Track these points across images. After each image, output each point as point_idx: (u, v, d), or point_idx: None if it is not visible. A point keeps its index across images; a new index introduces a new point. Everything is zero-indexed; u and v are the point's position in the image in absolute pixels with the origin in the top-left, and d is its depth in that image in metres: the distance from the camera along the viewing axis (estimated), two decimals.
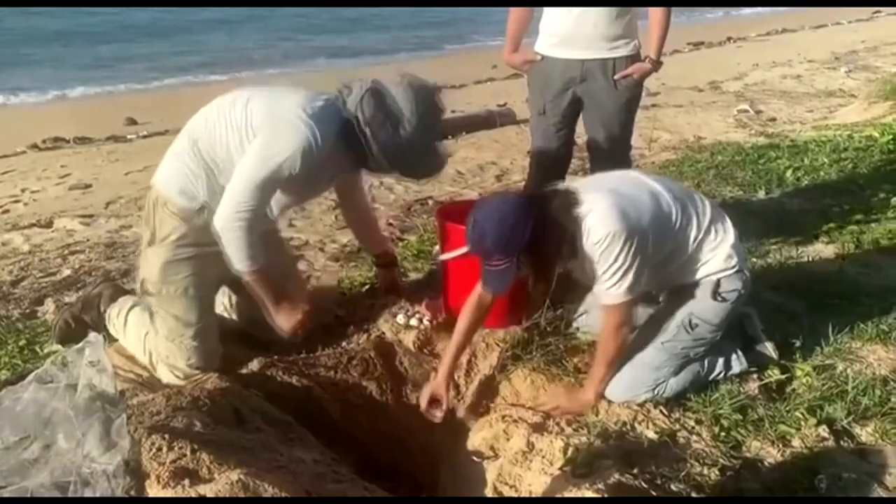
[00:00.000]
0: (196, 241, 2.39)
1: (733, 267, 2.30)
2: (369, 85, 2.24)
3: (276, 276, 2.48)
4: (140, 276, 2.49)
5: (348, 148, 2.31)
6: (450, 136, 6.86)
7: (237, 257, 2.29)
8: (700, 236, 2.28)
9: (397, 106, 2.20)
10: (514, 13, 3.11)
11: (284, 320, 2.44)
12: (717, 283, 2.30)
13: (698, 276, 2.32)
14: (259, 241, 2.31)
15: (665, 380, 2.29)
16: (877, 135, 5.34)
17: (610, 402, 2.27)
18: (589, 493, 1.79)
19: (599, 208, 2.13)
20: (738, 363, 2.39)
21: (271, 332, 2.55)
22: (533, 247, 2.12)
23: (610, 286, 2.17)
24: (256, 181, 2.21)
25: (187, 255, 2.40)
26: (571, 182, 2.37)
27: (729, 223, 2.35)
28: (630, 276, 2.15)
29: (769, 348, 2.48)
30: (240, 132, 2.26)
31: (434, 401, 2.42)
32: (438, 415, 2.40)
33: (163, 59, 13.97)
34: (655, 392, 2.28)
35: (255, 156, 2.21)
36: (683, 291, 2.36)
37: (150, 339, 2.50)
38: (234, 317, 2.77)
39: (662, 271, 2.30)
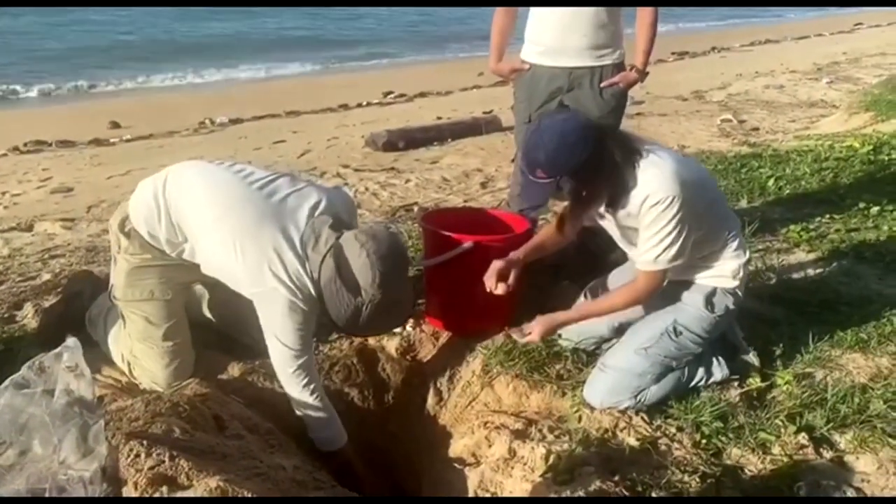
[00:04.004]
0: (162, 255, 2.36)
1: (734, 283, 2.33)
2: (333, 242, 2.11)
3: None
4: (111, 282, 2.48)
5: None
6: (435, 143, 6.89)
7: (320, 441, 2.31)
8: (728, 239, 2.31)
9: (354, 278, 2.06)
10: (498, 23, 3.12)
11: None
12: (713, 292, 2.33)
13: (701, 276, 2.35)
14: (336, 417, 2.32)
15: (647, 387, 2.30)
16: (857, 145, 5.40)
17: (592, 408, 2.27)
18: None
19: (665, 168, 2.11)
20: (719, 371, 2.41)
21: (250, 333, 2.55)
22: (581, 176, 2.09)
23: (657, 253, 2.16)
24: (299, 363, 2.22)
25: (154, 263, 2.38)
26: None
27: (746, 246, 2.39)
28: (677, 246, 2.14)
29: (751, 356, 2.50)
30: (226, 262, 2.21)
31: (502, 277, 2.41)
32: (496, 286, 2.40)
33: (147, 61, 13.90)
34: (637, 399, 2.28)
35: (275, 346, 2.22)
36: (677, 291, 2.38)
37: (125, 344, 2.48)
38: (211, 317, 2.76)
39: None
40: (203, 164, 2.40)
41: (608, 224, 2.37)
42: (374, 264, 2.05)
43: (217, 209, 2.21)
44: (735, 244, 2.32)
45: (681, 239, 2.14)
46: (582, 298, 2.66)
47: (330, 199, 2.29)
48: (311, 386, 2.24)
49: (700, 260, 2.32)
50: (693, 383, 2.39)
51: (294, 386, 2.25)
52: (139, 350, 2.44)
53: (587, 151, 2.05)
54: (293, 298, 2.14)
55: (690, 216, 2.13)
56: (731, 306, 2.36)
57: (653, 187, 2.09)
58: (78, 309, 2.74)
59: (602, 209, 2.27)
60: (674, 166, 2.12)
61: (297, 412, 2.28)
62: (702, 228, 2.22)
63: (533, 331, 2.35)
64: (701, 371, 2.40)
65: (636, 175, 2.12)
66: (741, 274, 2.33)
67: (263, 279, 2.14)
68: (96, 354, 2.55)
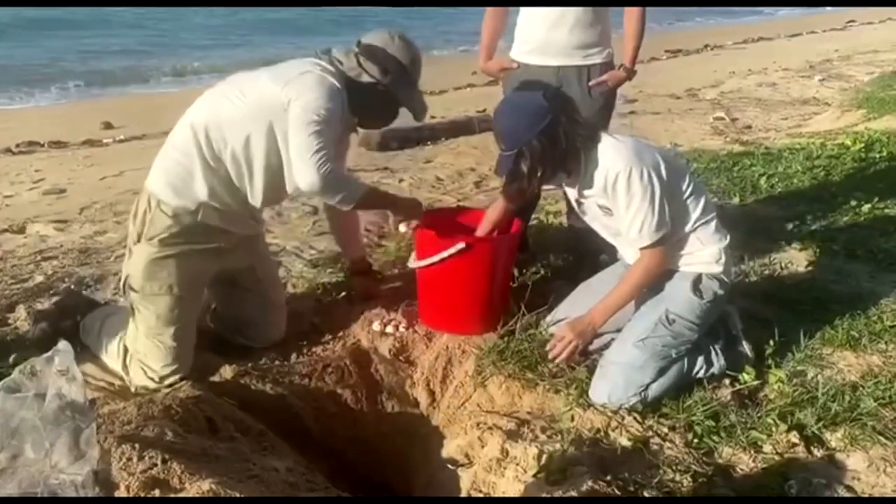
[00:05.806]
0: (186, 239, 2.39)
1: (718, 269, 2.37)
2: (356, 50, 2.44)
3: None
4: (124, 273, 2.47)
5: (347, 109, 2.41)
6: (429, 142, 6.89)
7: (345, 198, 2.40)
8: (700, 219, 2.35)
9: (396, 59, 2.42)
10: (488, 22, 3.13)
11: (406, 216, 2.70)
12: (699, 278, 2.37)
13: (683, 263, 2.39)
14: (346, 173, 2.57)
15: (651, 381, 2.30)
16: (849, 143, 5.42)
17: (585, 408, 2.27)
18: None
19: (621, 147, 2.25)
20: (717, 362, 2.43)
21: (244, 337, 2.59)
22: (535, 152, 2.20)
23: (639, 226, 2.24)
24: (317, 129, 2.26)
25: (174, 252, 2.39)
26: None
27: (726, 231, 2.43)
28: (655, 213, 2.21)
29: (746, 347, 2.51)
30: (267, 94, 2.33)
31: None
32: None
33: (140, 62, 13.85)
34: (643, 396, 2.28)
35: (301, 110, 2.26)
36: (664, 282, 2.41)
37: (129, 336, 2.47)
38: (209, 321, 2.75)
39: None
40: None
41: (589, 216, 2.44)
42: (409, 43, 2.48)
43: (241, 85, 2.39)
44: (711, 228, 2.37)
45: (655, 205, 2.21)
46: (558, 320, 2.64)
47: None
48: (326, 157, 2.27)
49: (677, 247, 2.37)
50: (694, 372, 2.40)
51: (308, 156, 2.26)
52: (144, 345, 2.43)
53: (540, 126, 2.17)
54: (325, 75, 2.33)
55: (658, 181, 2.21)
56: (719, 291, 2.39)
57: (611, 162, 2.21)
58: (73, 319, 2.74)
59: (577, 195, 2.38)
60: (631, 144, 2.27)
61: (306, 187, 2.30)
62: (673, 203, 2.29)
63: (566, 336, 2.39)
64: (700, 360, 2.42)
65: (596, 157, 2.24)
66: (723, 259, 2.37)
67: (293, 74, 2.32)
68: (88, 359, 2.55)
